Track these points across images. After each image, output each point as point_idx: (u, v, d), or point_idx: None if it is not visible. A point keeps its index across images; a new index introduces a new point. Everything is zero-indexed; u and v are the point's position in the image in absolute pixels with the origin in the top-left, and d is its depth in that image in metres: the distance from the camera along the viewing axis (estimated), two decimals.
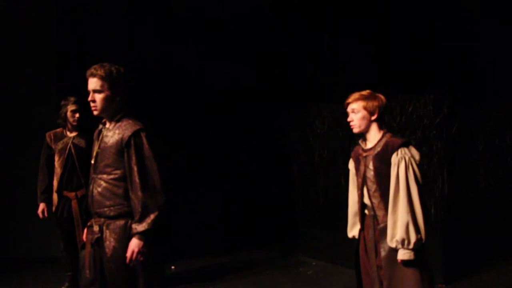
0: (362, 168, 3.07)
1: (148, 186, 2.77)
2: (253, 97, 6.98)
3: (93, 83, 2.84)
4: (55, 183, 4.75)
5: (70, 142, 4.74)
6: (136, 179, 2.77)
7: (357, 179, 3.14)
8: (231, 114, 6.90)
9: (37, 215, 4.80)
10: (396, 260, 2.90)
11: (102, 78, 2.83)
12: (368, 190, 3.05)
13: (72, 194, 4.68)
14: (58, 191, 4.72)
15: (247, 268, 5.84)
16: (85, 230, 3.00)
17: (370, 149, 3.04)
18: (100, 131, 2.96)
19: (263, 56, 7.06)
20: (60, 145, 4.74)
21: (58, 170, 4.71)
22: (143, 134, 2.84)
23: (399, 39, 6.85)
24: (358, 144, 3.16)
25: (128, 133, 2.82)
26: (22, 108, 6.48)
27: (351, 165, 3.25)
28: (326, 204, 5.91)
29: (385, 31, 6.92)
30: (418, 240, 2.86)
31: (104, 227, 2.83)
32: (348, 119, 3.07)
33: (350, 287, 4.75)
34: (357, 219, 3.18)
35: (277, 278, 5.50)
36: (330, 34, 7.09)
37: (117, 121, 2.91)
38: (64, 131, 4.84)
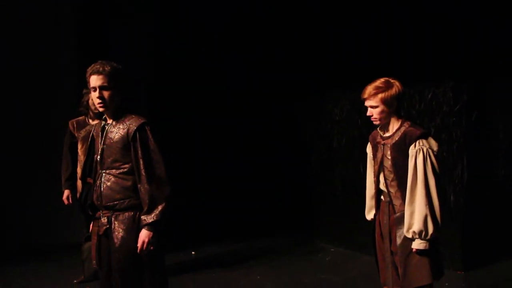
0: (379, 155, 3.09)
1: (155, 178, 2.86)
2: (271, 84, 7.00)
3: (100, 80, 2.88)
4: (78, 170, 4.84)
5: (93, 130, 4.82)
6: (143, 172, 2.85)
7: (374, 166, 3.17)
8: (250, 101, 6.93)
9: (62, 201, 4.92)
10: (411, 248, 2.94)
11: (108, 75, 2.88)
12: (385, 179, 3.07)
13: None
14: (82, 178, 4.82)
15: (265, 255, 5.91)
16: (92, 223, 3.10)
17: (389, 137, 3.05)
18: (104, 127, 3.02)
19: (281, 43, 7.05)
20: (83, 133, 4.83)
21: (81, 157, 4.80)
22: (147, 128, 2.92)
23: (418, 24, 6.77)
24: (377, 129, 3.18)
25: (133, 127, 2.90)
26: (44, 96, 6.59)
27: (369, 149, 3.28)
28: (344, 190, 5.93)
29: (404, 16, 6.85)
30: (435, 231, 2.89)
31: (113, 218, 2.92)
32: (368, 114, 3.06)
33: (368, 273, 4.80)
34: (374, 202, 3.22)
35: (295, 264, 5.56)
36: (349, 20, 7.04)
37: (120, 117, 2.97)
38: (86, 119, 4.91)
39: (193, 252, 6.05)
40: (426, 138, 2.95)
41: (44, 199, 6.38)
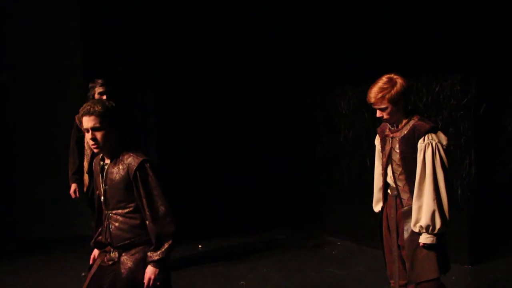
0: (387, 148, 3.08)
1: (159, 216, 2.86)
2: (278, 78, 6.99)
3: (91, 121, 2.81)
4: (85, 164, 4.86)
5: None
6: (147, 211, 2.86)
7: (382, 158, 3.16)
8: (258, 95, 6.93)
9: (69, 195, 4.94)
10: (418, 243, 2.94)
11: (100, 115, 2.81)
12: (393, 173, 3.06)
13: None
14: (88, 172, 4.84)
15: (272, 248, 5.92)
16: (95, 252, 3.13)
17: (397, 130, 3.04)
18: (103, 167, 2.98)
19: (290, 37, 7.04)
20: None
21: (88, 151, 4.82)
22: (147, 165, 2.89)
23: (425, 16, 6.73)
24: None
25: (132, 167, 2.86)
26: (51, 91, 6.61)
27: (377, 141, 3.26)
28: (351, 184, 5.93)
29: (411, 9, 6.81)
30: (442, 226, 2.88)
31: (124, 253, 2.94)
32: (377, 116, 3.02)
33: (375, 267, 4.80)
34: (381, 195, 3.22)
35: (302, 258, 5.57)
36: (356, 13, 7.01)
37: (117, 156, 2.92)
38: None
39: (200, 246, 6.07)
40: (435, 132, 2.93)
41: (51, 193, 6.42)
